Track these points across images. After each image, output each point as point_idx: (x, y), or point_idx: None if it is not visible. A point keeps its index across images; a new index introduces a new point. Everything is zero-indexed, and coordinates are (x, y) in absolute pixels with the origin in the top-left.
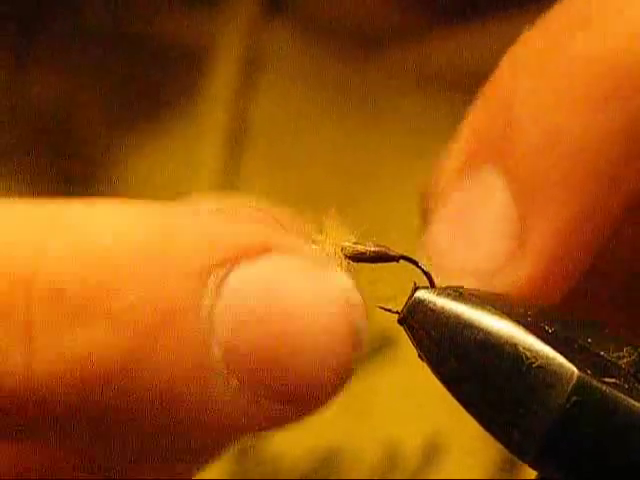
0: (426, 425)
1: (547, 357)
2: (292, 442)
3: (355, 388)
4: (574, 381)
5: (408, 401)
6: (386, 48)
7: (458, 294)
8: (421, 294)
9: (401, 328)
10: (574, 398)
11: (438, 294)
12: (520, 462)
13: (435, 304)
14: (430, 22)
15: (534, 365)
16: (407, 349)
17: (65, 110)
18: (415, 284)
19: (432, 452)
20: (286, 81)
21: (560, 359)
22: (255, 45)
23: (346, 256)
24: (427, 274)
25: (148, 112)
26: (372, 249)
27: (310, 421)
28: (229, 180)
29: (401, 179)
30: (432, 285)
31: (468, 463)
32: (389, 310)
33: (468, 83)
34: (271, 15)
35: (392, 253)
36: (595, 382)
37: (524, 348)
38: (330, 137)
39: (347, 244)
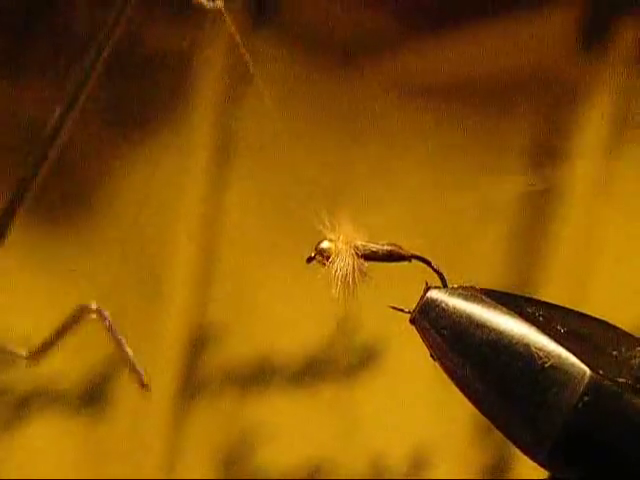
0: (412, 436)
1: (560, 357)
2: (280, 455)
3: (341, 401)
4: (586, 381)
5: (394, 413)
6: (372, 59)
7: (470, 294)
8: (433, 294)
9: (386, 341)
10: (586, 398)
11: (450, 294)
12: (506, 472)
13: (447, 304)
14: (415, 32)
15: (547, 365)
16: (393, 362)
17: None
18: (427, 284)
19: (419, 463)
20: (272, 90)
21: (572, 359)
22: (240, 57)
23: (359, 255)
24: (439, 274)
25: (135, 125)
26: (385, 248)
27: (298, 434)
28: (217, 191)
29: (385, 192)
30: (444, 285)
31: (454, 474)
32: (401, 310)
33: (452, 93)
34: (257, 27)
35: (404, 252)
36: (607, 382)
37: (536, 348)
38: (315, 148)
39: (360, 243)
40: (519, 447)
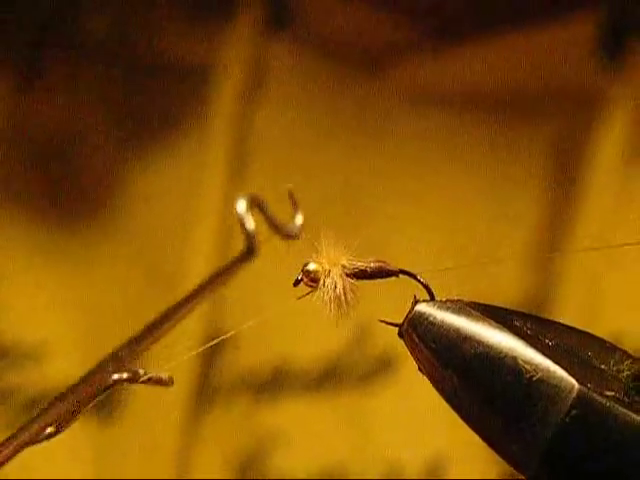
0: (427, 445)
1: (547, 370)
2: (294, 460)
3: (357, 408)
4: (574, 394)
5: (409, 421)
6: (389, 67)
7: (458, 307)
8: (421, 307)
9: (402, 350)
10: (574, 411)
11: (438, 307)
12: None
13: (435, 317)
14: (434, 40)
15: (534, 378)
16: (408, 371)
17: (70, 130)
18: (415, 297)
19: (433, 472)
20: (289, 99)
21: (560, 372)
22: (257, 63)
23: (347, 274)
24: (427, 287)
25: (151, 131)
26: (372, 265)
27: (312, 440)
28: (234, 191)
29: (401, 198)
30: (432, 298)
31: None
32: (390, 323)
33: (472, 102)
34: (273, 34)
35: (391, 268)
36: (596, 395)
37: (524, 361)
38: (331, 154)
39: (347, 262)
40: (508, 461)
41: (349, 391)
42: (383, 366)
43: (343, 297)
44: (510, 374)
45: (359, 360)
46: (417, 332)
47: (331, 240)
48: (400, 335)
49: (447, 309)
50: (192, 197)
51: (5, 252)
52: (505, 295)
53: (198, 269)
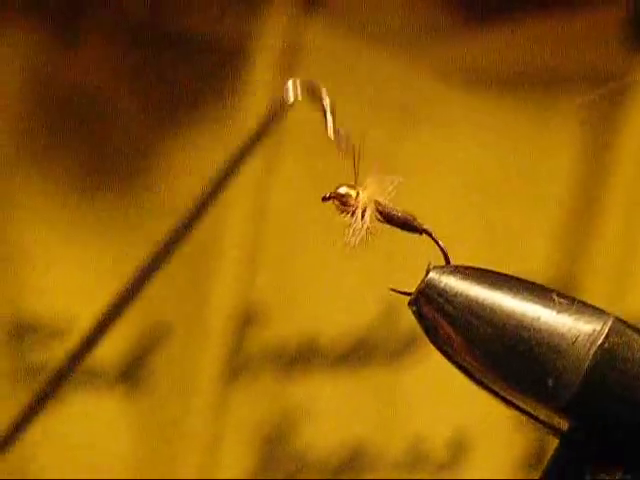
0: (452, 421)
1: (582, 304)
2: (321, 435)
3: (385, 384)
4: (609, 325)
5: (435, 398)
6: (422, 49)
7: (476, 272)
8: (435, 273)
9: None
10: (611, 341)
11: (452, 272)
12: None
13: (448, 282)
14: (466, 24)
15: (569, 312)
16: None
17: (104, 104)
18: (430, 264)
19: (458, 448)
20: (323, 82)
21: (593, 306)
22: (292, 45)
23: (378, 210)
24: (444, 253)
25: (184, 112)
26: (401, 214)
27: (340, 416)
28: (265, 173)
29: (440, 179)
30: (447, 262)
31: (494, 459)
32: (401, 292)
33: (501, 86)
34: (309, 15)
35: (417, 224)
36: (629, 328)
37: (558, 296)
38: (368, 136)
39: (382, 200)
40: (539, 398)
41: (377, 367)
42: (411, 342)
43: (361, 231)
44: (542, 309)
45: (387, 336)
46: (433, 295)
47: (376, 178)
48: (410, 304)
49: (462, 273)
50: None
51: (30, 230)
52: (532, 274)
53: (230, 247)
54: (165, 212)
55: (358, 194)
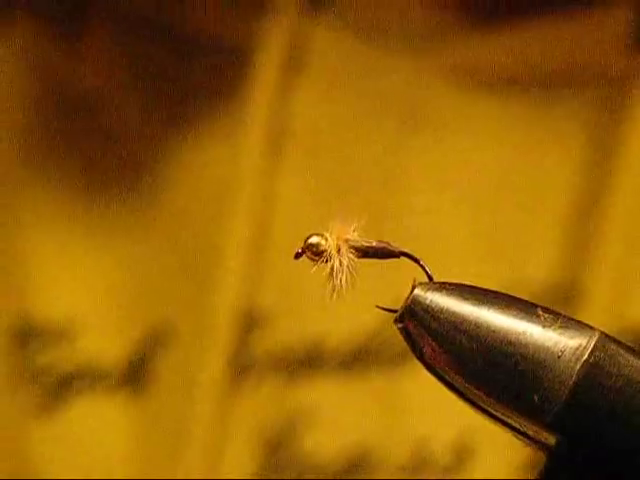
0: (456, 425)
1: (567, 319)
2: (325, 439)
3: (389, 388)
4: (596, 339)
5: (438, 402)
6: (430, 50)
7: (459, 288)
8: (419, 290)
9: None
10: (596, 356)
11: (437, 289)
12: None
13: (434, 297)
14: (475, 25)
15: (554, 326)
16: None
17: (108, 101)
18: (415, 281)
19: (462, 451)
20: (329, 82)
21: (579, 321)
22: (298, 45)
23: (351, 247)
24: (426, 270)
25: (193, 107)
26: (374, 244)
27: (344, 420)
28: (270, 175)
29: (440, 180)
30: (430, 279)
31: (498, 462)
32: (386, 309)
33: (509, 87)
34: (315, 15)
35: (393, 248)
36: (615, 343)
37: (543, 311)
38: (371, 134)
39: (352, 237)
40: (525, 414)
41: (381, 371)
42: None
43: (343, 274)
44: (528, 324)
45: (392, 340)
46: (418, 311)
47: (340, 218)
48: (396, 321)
49: (447, 290)
50: (229, 175)
51: (33, 233)
52: (534, 281)
53: (236, 252)
54: (167, 212)
55: (327, 239)
